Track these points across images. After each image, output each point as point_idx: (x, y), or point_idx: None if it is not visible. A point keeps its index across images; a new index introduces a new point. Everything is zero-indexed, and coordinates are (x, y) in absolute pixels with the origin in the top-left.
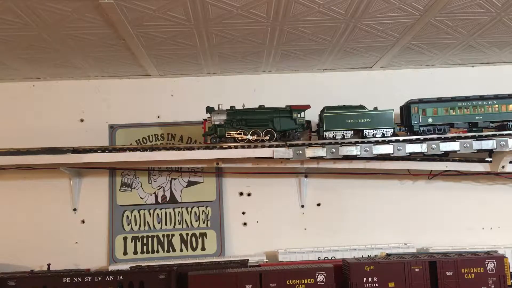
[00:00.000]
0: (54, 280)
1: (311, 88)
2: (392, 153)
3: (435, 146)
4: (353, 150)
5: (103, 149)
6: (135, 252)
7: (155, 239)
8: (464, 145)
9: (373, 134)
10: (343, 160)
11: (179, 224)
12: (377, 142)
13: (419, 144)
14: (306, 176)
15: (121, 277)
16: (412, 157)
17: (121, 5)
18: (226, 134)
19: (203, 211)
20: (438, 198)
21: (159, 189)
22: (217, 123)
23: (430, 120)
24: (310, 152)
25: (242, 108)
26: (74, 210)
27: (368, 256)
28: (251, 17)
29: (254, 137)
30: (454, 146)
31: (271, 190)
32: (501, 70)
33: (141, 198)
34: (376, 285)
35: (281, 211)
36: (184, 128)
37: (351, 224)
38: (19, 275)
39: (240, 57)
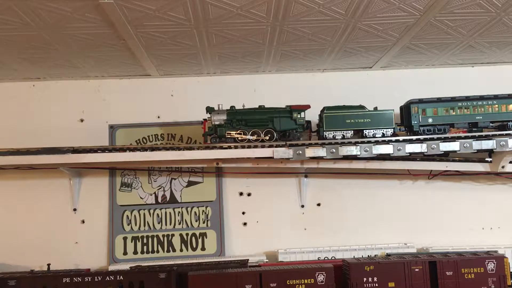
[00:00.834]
0: (54, 280)
1: (311, 88)
2: (392, 153)
3: (435, 146)
4: (353, 150)
5: (103, 149)
6: (135, 252)
7: (155, 239)
8: (464, 145)
9: (373, 134)
10: (343, 160)
11: (179, 224)
12: (377, 142)
13: (419, 144)
14: (306, 176)
15: (121, 277)
16: (412, 157)
17: (121, 5)
18: (226, 134)
19: (203, 211)
20: (438, 198)
21: (159, 189)
22: (217, 123)
23: (430, 120)
24: (310, 152)
25: (242, 108)
26: (74, 210)
27: (368, 256)
28: (251, 17)
29: (254, 137)
30: (454, 146)
31: (271, 190)
32: (501, 70)
33: (141, 198)
34: (376, 285)
35: (281, 211)
36: (184, 128)
37: (351, 224)
38: (19, 275)
39: (240, 57)
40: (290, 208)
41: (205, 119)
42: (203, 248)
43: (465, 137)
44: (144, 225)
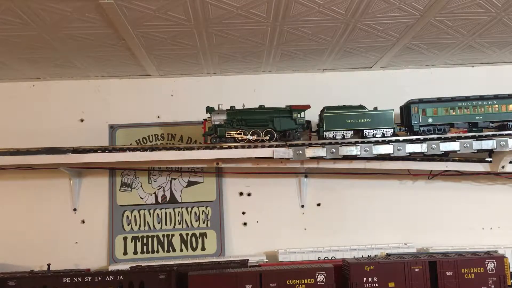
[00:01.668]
0: (54, 280)
1: (311, 88)
2: (392, 153)
3: (435, 146)
4: (353, 150)
5: (103, 149)
6: (135, 252)
7: (155, 239)
8: (464, 145)
9: (373, 134)
10: (343, 160)
11: (179, 224)
12: (377, 142)
13: (419, 144)
14: (306, 176)
15: (121, 277)
16: (412, 157)
17: (121, 5)
18: (226, 134)
19: (203, 211)
20: (438, 198)
21: (159, 189)
22: (217, 123)
23: (430, 120)
24: (310, 152)
25: (242, 108)
26: (74, 210)
27: (368, 256)
28: (251, 17)
29: (254, 137)
30: (454, 146)
31: (271, 190)
32: (501, 70)
33: (141, 198)
34: (376, 285)
35: (281, 211)
36: (184, 128)
37: (351, 224)
38: (19, 275)
39: (240, 57)
40: (290, 208)
41: (205, 119)
42: (203, 248)
43: (465, 137)
44: (144, 225)
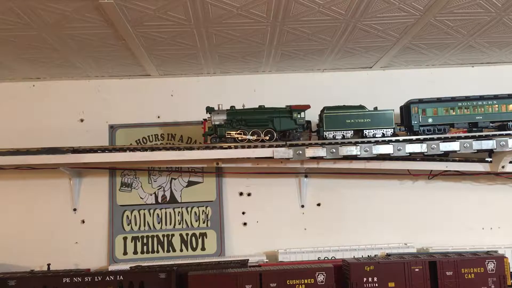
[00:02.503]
0: (54, 280)
1: (311, 88)
2: (392, 153)
3: (435, 146)
4: (353, 150)
5: (103, 149)
6: (135, 252)
7: (155, 239)
8: (464, 145)
9: (373, 134)
10: (343, 160)
11: (179, 224)
12: (377, 142)
13: (419, 144)
14: (306, 176)
15: (121, 277)
16: (412, 157)
17: (121, 5)
18: (226, 134)
19: (203, 211)
20: (438, 198)
21: (159, 189)
22: (217, 123)
23: (430, 120)
24: (310, 152)
25: (242, 108)
26: (74, 210)
27: (368, 256)
28: (251, 17)
29: (254, 137)
30: (454, 146)
31: (271, 190)
32: (501, 70)
33: (141, 198)
34: (376, 285)
35: (281, 211)
36: (184, 128)
37: (351, 224)
38: (19, 275)
39: (240, 57)
40: (290, 208)
41: (205, 119)
42: (203, 248)
43: (465, 137)
44: (144, 225)
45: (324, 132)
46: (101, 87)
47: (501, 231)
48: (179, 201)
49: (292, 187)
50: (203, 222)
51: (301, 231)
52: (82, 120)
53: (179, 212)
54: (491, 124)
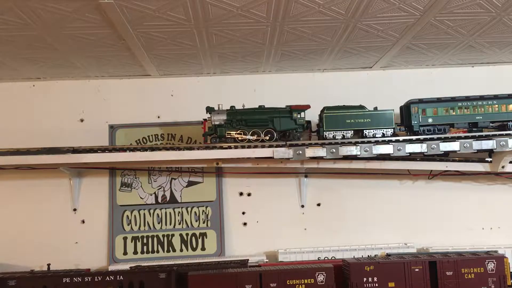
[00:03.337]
0: (54, 280)
1: (311, 88)
2: (392, 153)
3: (435, 146)
4: (353, 150)
5: (103, 149)
6: (135, 252)
7: (155, 239)
8: (464, 145)
9: (373, 134)
10: (343, 160)
11: (179, 224)
12: (377, 142)
13: (419, 144)
14: (306, 176)
15: (121, 277)
16: (412, 157)
17: (121, 5)
18: (226, 134)
19: (203, 211)
20: (438, 198)
21: (159, 189)
22: (217, 123)
23: (430, 120)
24: (310, 152)
25: (242, 108)
26: (74, 210)
27: (368, 256)
28: (251, 17)
29: (254, 137)
30: (454, 146)
31: (271, 190)
32: (501, 70)
33: (141, 198)
34: (376, 285)
35: (281, 211)
36: (184, 128)
37: (351, 224)
38: (19, 275)
39: (240, 57)
40: (290, 208)
41: (205, 119)
42: (203, 248)
43: (465, 137)
44: (144, 225)
45: (324, 132)
46: (101, 87)
47: (501, 231)
48: (179, 201)
49: (292, 187)
50: (203, 222)
51: (301, 231)
52: (82, 120)
53: (179, 212)
54: (491, 124)
